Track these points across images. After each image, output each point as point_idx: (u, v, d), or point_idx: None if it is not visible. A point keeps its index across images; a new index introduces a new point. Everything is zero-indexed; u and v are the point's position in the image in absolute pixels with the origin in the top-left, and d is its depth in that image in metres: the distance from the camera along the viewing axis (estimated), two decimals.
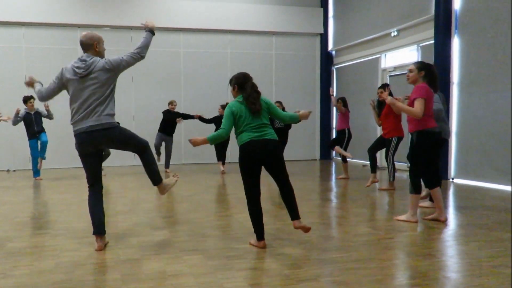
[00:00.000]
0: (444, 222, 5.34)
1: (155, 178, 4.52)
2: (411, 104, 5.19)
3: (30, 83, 4.59)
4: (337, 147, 9.62)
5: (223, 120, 4.37)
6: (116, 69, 4.24)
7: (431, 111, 5.28)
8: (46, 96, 4.41)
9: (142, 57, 4.39)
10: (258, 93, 4.39)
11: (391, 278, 3.57)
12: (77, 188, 8.41)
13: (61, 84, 4.29)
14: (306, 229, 4.42)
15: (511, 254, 4.08)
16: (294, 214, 4.40)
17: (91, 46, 4.24)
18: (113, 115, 4.26)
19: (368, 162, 8.20)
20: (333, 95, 10.06)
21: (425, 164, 5.38)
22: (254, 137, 4.28)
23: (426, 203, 6.31)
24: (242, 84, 4.40)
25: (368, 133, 11.99)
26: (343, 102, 9.66)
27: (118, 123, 4.35)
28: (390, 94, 7.66)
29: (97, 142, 4.22)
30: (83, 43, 4.25)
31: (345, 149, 9.52)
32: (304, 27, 14.05)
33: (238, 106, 4.34)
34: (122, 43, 12.56)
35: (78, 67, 4.14)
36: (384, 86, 7.95)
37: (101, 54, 4.31)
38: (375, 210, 6.36)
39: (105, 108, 4.16)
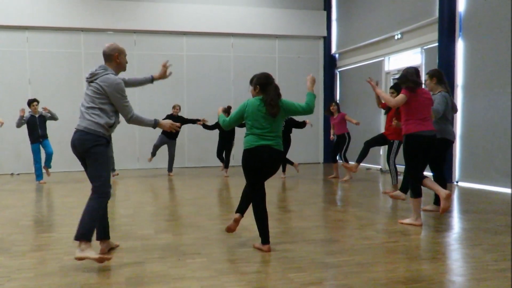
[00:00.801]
0: (448, 195, 5.12)
1: (82, 231, 3.87)
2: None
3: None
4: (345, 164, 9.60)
5: (232, 112, 4.37)
6: (110, 96, 4.08)
7: (420, 115, 5.32)
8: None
9: (128, 119, 4.18)
10: (279, 96, 4.33)
11: (395, 281, 3.55)
12: (80, 191, 8.41)
13: None
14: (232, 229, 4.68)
15: (511, 254, 4.09)
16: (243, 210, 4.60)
17: (112, 56, 4.29)
18: (98, 124, 4.05)
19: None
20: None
21: (417, 167, 5.40)
22: (261, 144, 4.25)
23: (429, 207, 6.28)
24: (265, 85, 4.32)
25: (371, 136, 11.95)
26: (337, 105, 9.87)
27: (106, 140, 4.07)
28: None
29: (74, 145, 4.11)
30: (104, 53, 4.31)
31: (346, 153, 9.59)
32: (307, 30, 14.06)
33: (254, 106, 4.28)
34: (125, 46, 12.36)
35: (88, 73, 4.23)
36: (395, 86, 7.95)
37: (121, 66, 4.36)
38: (379, 213, 6.34)
39: (93, 115, 4.07)
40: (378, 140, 8.17)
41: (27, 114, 9.69)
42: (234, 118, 4.40)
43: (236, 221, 4.60)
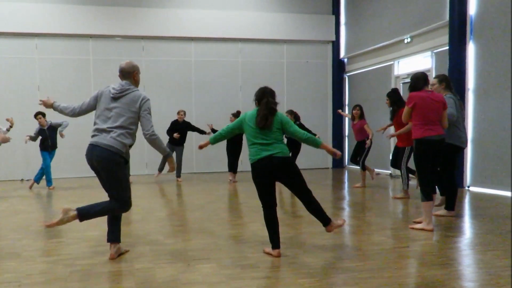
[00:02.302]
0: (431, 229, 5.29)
1: (84, 209, 4.24)
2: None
3: (48, 104, 4.55)
4: (367, 166, 9.41)
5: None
6: (139, 111, 4.28)
7: (427, 119, 5.30)
8: (79, 111, 4.49)
9: (148, 132, 4.26)
10: (271, 110, 4.41)
11: (406, 287, 3.51)
12: (90, 197, 8.43)
13: (95, 103, 4.38)
14: (341, 225, 4.74)
15: (511, 256, 4.03)
16: (325, 220, 4.63)
17: (131, 74, 4.41)
18: (123, 143, 4.17)
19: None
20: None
21: (427, 171, 5.38)
22: (262, 156, 4.32)
23: (441, 211, 6.22)
24: (260, 100, 4.51)
25: (381, 140, 11.90)
26: (361, 110, 9.46)
27: (125, 160, 4.21)
28: (399, 100, 7.66)
29: (93, 160, 4.20)
30: (123, 70, 4.40)
31: (365, 159, 9.32)
32: (316, 35, 14.03)
33: (252, 117, 4.44)
34: (133, 52, 12.67)
35: (114, 88, 4.30)
36: (393, 92, 7.99)
37: (137, 83, 4.50)
38: (389, 218, 6.29)
39: (121, 135, 4.17)
40: (398, 153, 7.93)
41: (37, 127, 9.78)
42: (233, 126, 4.64)
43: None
